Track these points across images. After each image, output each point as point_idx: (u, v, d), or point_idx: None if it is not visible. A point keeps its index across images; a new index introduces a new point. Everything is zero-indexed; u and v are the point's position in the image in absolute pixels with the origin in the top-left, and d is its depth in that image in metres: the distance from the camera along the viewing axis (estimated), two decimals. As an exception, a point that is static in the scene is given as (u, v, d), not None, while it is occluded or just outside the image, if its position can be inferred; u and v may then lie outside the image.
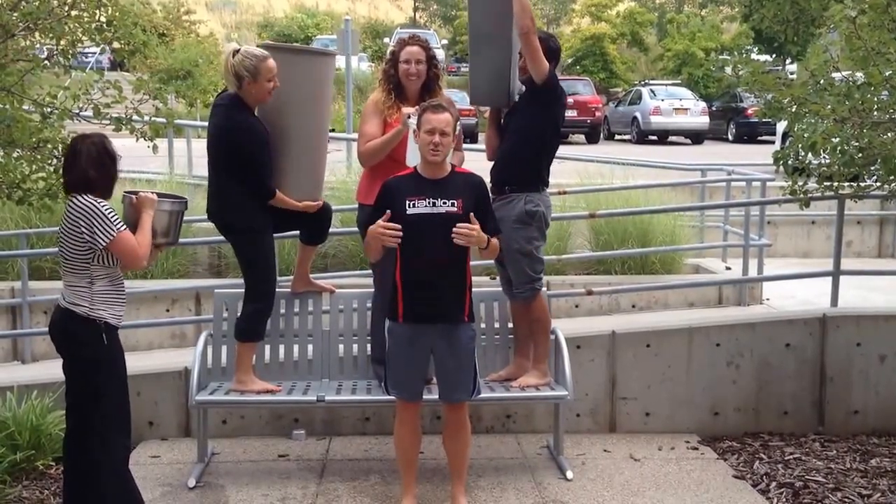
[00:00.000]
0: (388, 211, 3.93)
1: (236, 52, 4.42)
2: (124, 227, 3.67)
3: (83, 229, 3.60)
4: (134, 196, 3.85)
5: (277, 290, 4.76)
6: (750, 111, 23.09)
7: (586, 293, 6.61)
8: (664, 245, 7.98)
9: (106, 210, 3.62)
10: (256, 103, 4.48)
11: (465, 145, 5.13)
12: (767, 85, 4.91)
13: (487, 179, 4.43)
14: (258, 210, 4.51)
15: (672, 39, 33.75)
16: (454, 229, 3.86)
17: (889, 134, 4.59)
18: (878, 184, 5.21)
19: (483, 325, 5.01)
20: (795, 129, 4.98)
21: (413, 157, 4.36)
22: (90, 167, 3.68)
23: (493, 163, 4.88)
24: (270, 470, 4.82)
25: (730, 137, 25.03)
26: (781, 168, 5.24)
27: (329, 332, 5.02)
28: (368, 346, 4.96)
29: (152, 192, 3.90)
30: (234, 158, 4.41)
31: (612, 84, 33.84)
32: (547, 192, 4.80)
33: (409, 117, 4.45)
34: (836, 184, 5.31)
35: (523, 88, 4.77)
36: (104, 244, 3.60)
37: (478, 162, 5.28)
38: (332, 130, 4.69)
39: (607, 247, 8.02)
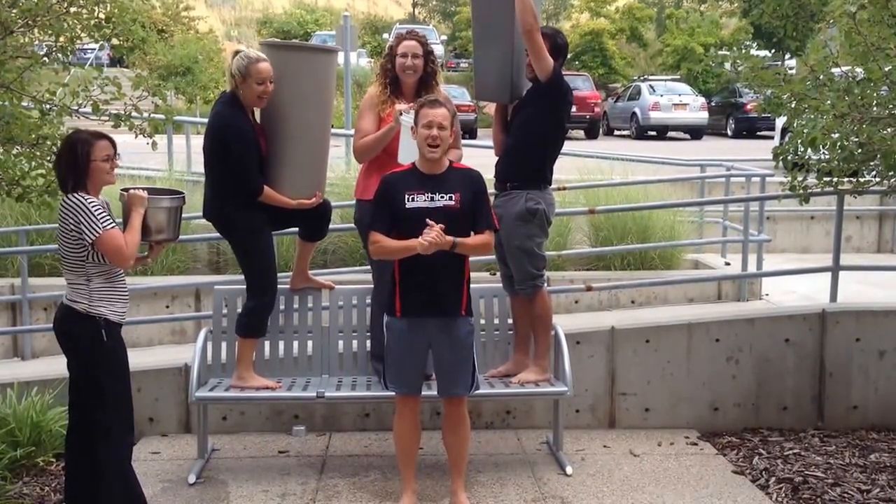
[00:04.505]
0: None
1: (237, 52, 4.44)
2: (112, 224, 3.63)
3: (71, 226, 3.60)
4: (125, 193, 3.84)
5: (277, 286, 4.75)
6: (749, 106, 23.09)
7: (586, 289, 6.60)
8: (663, 241, 7.98)
9: (93, 207, 3.60)
10: (251, 105, 4.48)
11: (463, 141, 5.12)
12: (767, 80, 4.91)
13: (489, 176, 4.42)
14: (254, 208, 4.49)
15: (671, 35, 33.70)
16: (422, 237, 3.84)
17: (889, 129, 4.59)
18: (878, 179, 5.21)
19: (482, 321, 5.02)
20: (795, 124, 4.98)
21: (405, 154, 4.33)
22: (58, 166, 3.72)
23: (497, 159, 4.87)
24: (270, 466, 4.83)
25: (729, 133, 25.03)
26: (781, 164, 5.24)
27: (328, 328, 5.02)
28: (368, 342, 4.97)
29: (142, 189, 3.87)
30: (221, 154, 4.40)
31: (611, 79, 33.81)
32: (550, 189, 4.79)
33: (401, 114, 4.42)
34: (835, 179, 5.30)
35: (530, 85, 4.76)
36: (90, 241, 3.60)
37: (477, 158, 5.28)
38: (331, 126, 4.66)
39: (606, 243, 8.02)
